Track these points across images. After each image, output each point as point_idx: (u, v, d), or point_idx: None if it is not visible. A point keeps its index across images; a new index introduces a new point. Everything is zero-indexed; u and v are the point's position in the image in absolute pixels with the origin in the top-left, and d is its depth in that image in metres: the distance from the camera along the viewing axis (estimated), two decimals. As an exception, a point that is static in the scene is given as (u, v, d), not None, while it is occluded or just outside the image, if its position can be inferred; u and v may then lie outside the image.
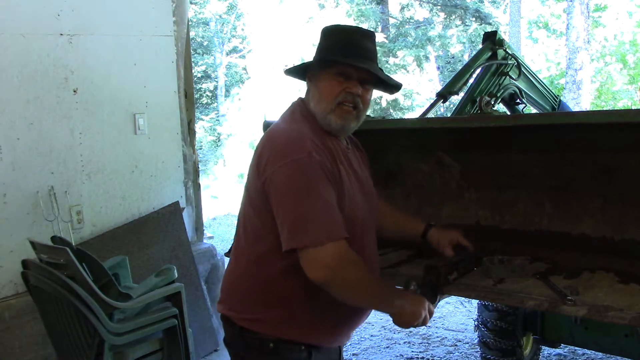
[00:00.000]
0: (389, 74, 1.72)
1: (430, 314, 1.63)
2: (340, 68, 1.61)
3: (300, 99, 1.74)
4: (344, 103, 1.62)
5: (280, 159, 1.51)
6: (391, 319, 1.60)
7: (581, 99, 11.91)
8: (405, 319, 1.58)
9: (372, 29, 15.90)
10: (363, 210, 1.68)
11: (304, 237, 1.45)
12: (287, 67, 1.74)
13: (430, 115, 2.95)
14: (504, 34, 13.23)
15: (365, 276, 1.54)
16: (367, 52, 1.64)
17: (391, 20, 16.20)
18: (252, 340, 1.63)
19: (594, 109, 12.63)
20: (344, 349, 1.86)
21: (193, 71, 4.41)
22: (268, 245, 1.58)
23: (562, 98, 3.92)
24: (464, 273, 1.89)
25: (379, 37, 15.66)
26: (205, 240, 4.48)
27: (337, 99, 1.61)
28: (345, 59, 1.59)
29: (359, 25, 1.71)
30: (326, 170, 1.52)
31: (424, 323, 1.61)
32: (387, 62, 15.20)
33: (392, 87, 1.77)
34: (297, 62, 1.68)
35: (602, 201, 2.00)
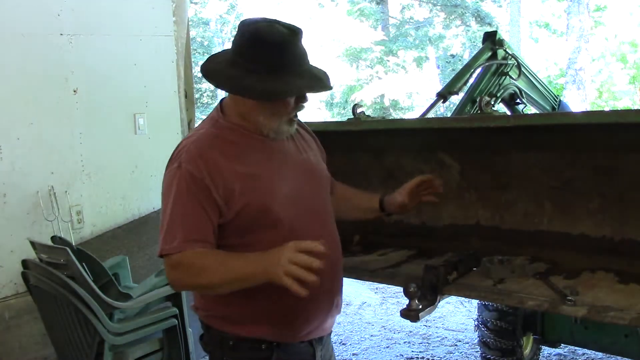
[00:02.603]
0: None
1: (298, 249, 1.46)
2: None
3: (219, 104, 1.72)
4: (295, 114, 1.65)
5: (166, 168, 1.62)
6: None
7: (581, 99, 11.91)
8: (269, 277, 1.46)
9: (373, 29, 15.87)
10: (288, 196, 1.63)
11: (160, 246, 1.54)
12: (232, 87, 1.63)
13: (430, 115, 2.95)
14: (505, 33, 13.23)
15: (200, 274, 1.52)
16: (307, 57, 1.62)
17: (391, 20, 16.20)
18: (214, 336, 1.67)
19: (594, 109, 12.62)
20: (344, 349, 1.84)
21: (193, 71, 4.41)
22: None
23: (562, 98, 3.92)
24: (464, 273, 1.89)
25: (379, 36, 15.68)
26: (205, 240, 4.47)
27: (293, 113, 1.63)
28: (310, 88, 1.59)
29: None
30: (194, 180, 1.53)
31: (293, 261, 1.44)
32: (387, 61, 15.21)
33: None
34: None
35: (602, 201, 1.99)
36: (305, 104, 1.64)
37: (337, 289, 1.76)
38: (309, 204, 1.69)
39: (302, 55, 1.60)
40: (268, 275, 1.46)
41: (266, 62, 1.54)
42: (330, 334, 1.85)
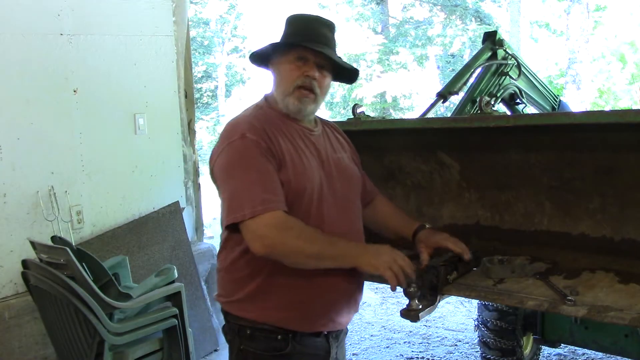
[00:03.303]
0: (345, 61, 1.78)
1: (400, 261, 1.59)
2: (298, 52, 1.68)
3: (264, 96, 1.81)
4: (302, 87, 1.68)
5: (220, 145, 1.64)
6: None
7: (581, 99, 11.90)
8: (370, 262, 1.57)
9: (373, 28, 15.87)
10: (322, 186, 1.69)
11: (237, 212, 1.53)
12: (251, 52, 1.80)
13: (430, 115, 2.95)
14: (505, 33, 13.23)
15: (307, 238, 1.55)
16: (325, 39, 1.71)
17: (391, 20, 16.19)
18: (233, 324, 1.70)
19: (594, 109, 12.62)
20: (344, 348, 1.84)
21: (193, 71, 4.42)
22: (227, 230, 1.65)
23: (562, 98, 3.92)
24: (464, 273, 1.89)
25: (379, 38, 15.67)
26: (205, 240, 4.48)
27: (296, 82, 1.68)
28: (301, 42, 1.67)
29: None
30: (260, 147, 1.59)
31: (396, 267, 1.56)
32: (387, 61, 15.20)
33: (350, 76, 1.85)
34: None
35: (602, 201, 1.99)
36: (310, 75, 1.67)
37: (357, 286, 1.79)
38: (340, 200, 1.74)
39: (322, 36, 1.70)
40: (369, 262, 1.56)
41: (285, 32, 1.72)
42: (346, 333, 1.87)
